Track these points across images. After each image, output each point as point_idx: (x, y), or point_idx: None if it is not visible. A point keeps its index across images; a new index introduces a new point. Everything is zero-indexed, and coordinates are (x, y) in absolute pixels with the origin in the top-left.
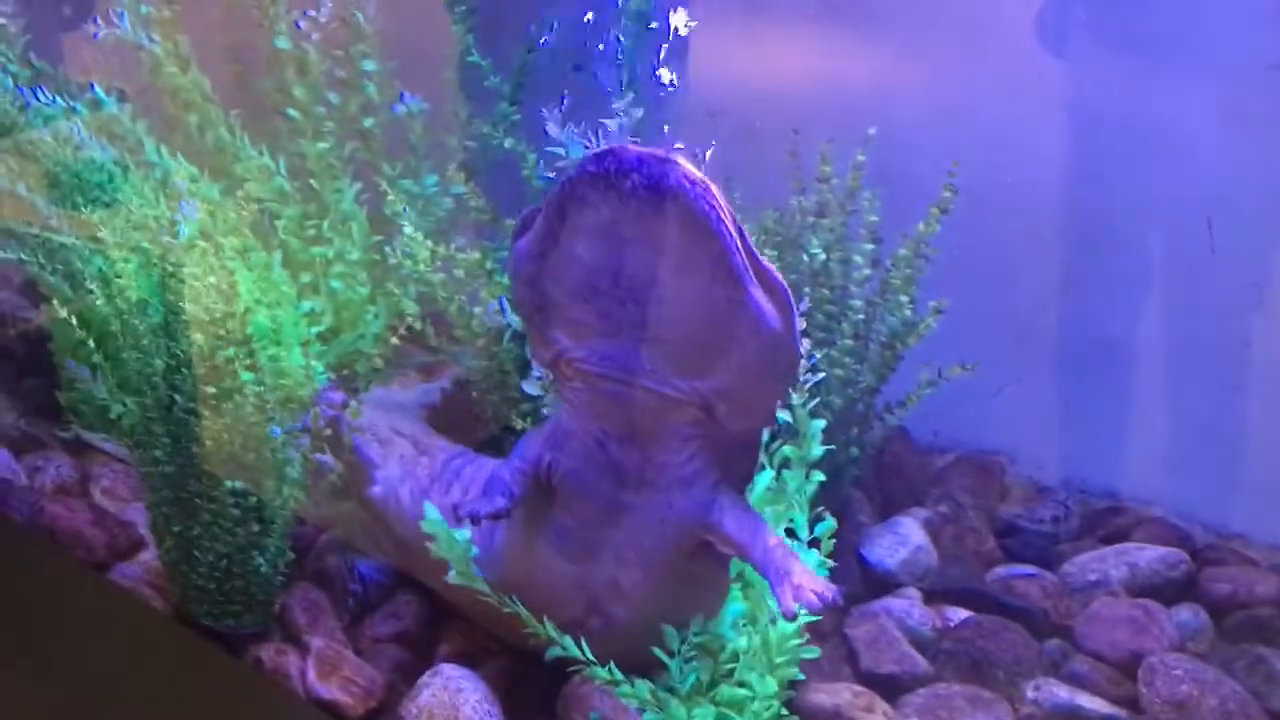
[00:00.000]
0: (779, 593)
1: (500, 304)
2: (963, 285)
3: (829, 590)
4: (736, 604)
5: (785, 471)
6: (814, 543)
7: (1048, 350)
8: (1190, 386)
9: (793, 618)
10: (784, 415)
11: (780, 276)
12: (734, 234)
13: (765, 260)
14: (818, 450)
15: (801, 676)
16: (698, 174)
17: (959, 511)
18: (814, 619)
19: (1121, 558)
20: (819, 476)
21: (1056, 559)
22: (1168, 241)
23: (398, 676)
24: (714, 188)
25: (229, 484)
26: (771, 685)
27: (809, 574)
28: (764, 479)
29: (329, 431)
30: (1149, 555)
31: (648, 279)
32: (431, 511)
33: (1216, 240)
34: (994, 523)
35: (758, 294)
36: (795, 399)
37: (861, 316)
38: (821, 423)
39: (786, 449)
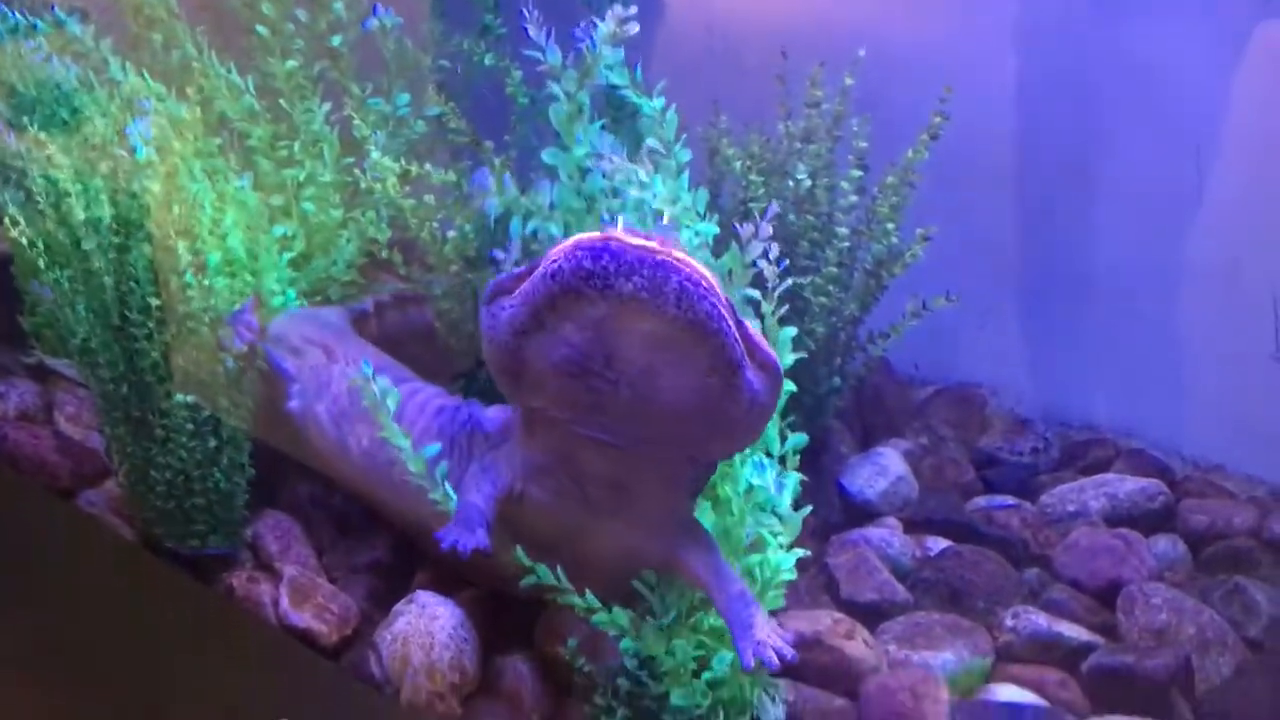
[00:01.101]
0: (740, 646)
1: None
2: (944, 218)
3: (787, 649)
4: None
5: None
6: (785, 460)
7: (1029, 283)
8: (1172, 320)
9: (750, 671)
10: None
11: (772, 352)
12: (731, 324)
13: (758, 337)
14: (789, 359)
15: (782, 604)
16: (697, 270)
17: (939, 443)
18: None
19: (1100, 489)
20: (790, 387)
21: (1036, 490)
22: (1153, 171)
23: (372, 605)
24: (713, 280)
25: (180, 398)
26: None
27: (770, 627)
28: None
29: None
30: (1128, 487)
31: (642, 368)
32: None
33: (1202, 169)
34: (974, 454)
35: (751, 375)
36: (766, 308)
37: (847, 244)
38: (793, 331)
39: None
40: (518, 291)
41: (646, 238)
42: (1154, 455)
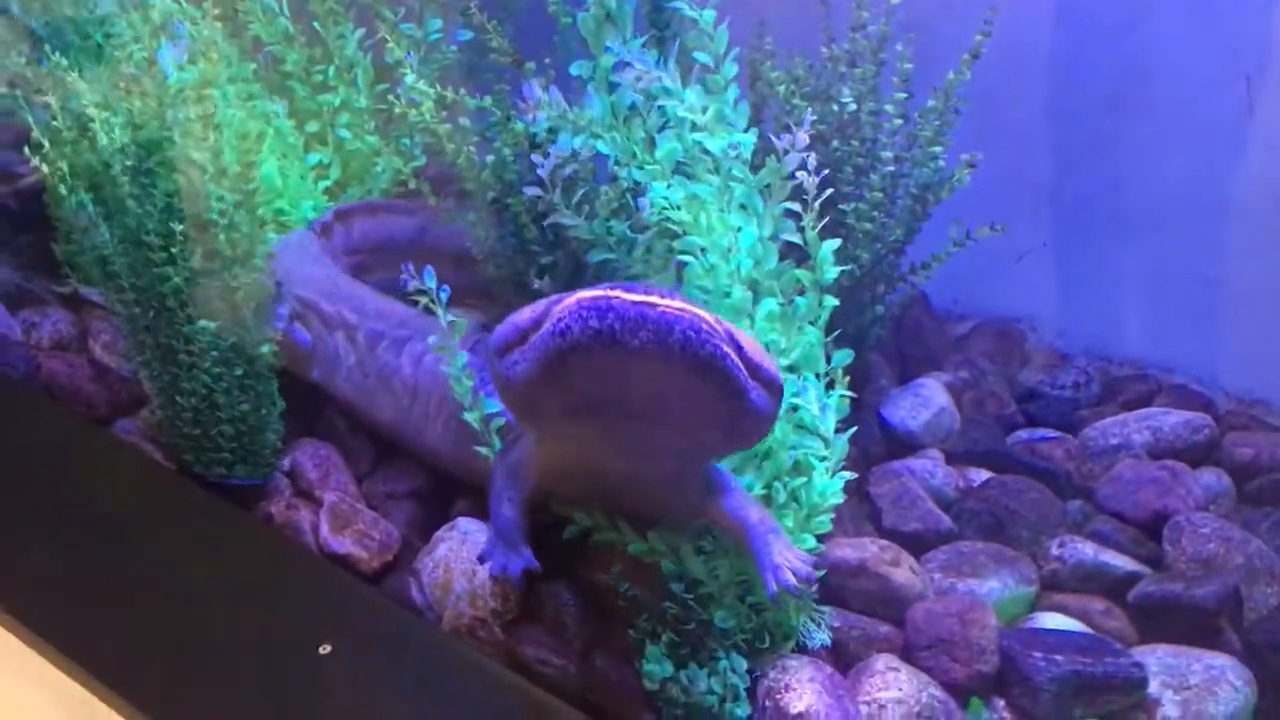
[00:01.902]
0: (763, 575)
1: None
2: (986, 148)
3: (804, 568)
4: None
5: (798, 297)
6: (830, 385)
7: (1070, 216)
8: (1217, 254)
9: (774, 599)
10: (795, 239)
11: (773, 367)
12: (735, 358)
13: (759, 357)
14: (831, 273)
15: (829, 528)
16: (697, 315)
17: (979, 376)
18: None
19: (1144, 422)
20: (831, 301)
21: (1077, 424)
22: (1201, 101)
23: (412, 531)
24: (712, 322)
25: (204, 324)
26: (809, 540)
27: (787, 549)
28: (767, 304)
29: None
30: (1172, 420)
31: (652, 405)
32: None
33: (1254, 98)
34: (1014, 388)
35: (756, 395)
36: (807, 219)
37: (891, 169)
38: (836, 243)
39: (798, 272)
40: (528, 345)
41: (645, 292)
42: (1196, 390)
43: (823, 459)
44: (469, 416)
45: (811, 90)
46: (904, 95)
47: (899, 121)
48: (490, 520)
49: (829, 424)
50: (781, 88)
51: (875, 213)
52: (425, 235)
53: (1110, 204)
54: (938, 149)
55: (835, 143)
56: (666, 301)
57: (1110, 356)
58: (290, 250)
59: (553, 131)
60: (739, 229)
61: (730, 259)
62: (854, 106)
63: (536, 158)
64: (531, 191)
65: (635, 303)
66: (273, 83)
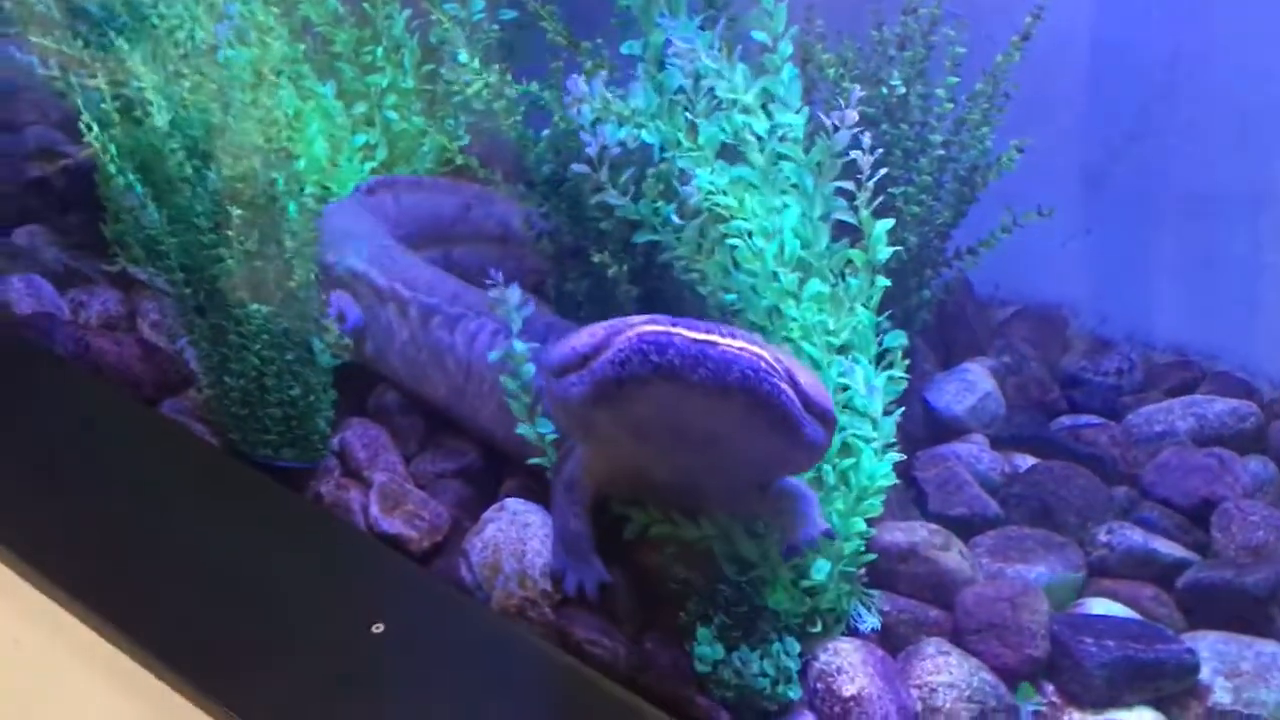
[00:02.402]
0: (810, 529)
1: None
2: (1033, 131)
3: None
4: None
5: (850, 277)
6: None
7: (1114, 202)
8: (1263, 241)
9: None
10: (848, 218)
11: (829, 402)
12: (791, 393)
13: (813, 390)
14: (885, 252)
15: (880, 510)
16: (755, 354)
17: (1022, 362)
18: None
19: (1189, 409)
20: (884, 282)
21: (1121, 411)
22: (1254, 85)
23: (461, 511)
24: (770, 358)
25: (255, 307)
26: (859, 524)
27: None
28: (813, 286)
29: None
30: (1218, 407)
31: (707, 434)
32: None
33: None
34: (1057, 374)
35: (811, 429)
36: (861, 198)
37: (940, 152)
38: (890, 223)
39: (851, 251)
40: (586, 371)
41: (706, 330)
42: (1241, 377)
43: (870, 440)
44: (516, 406)
45: (861, 73)
46: (954, 80)
47: (949, 105)
48: (556, 535)
49: (877, 405)
50: (831, 70)
51: (924, 196)
52: (470, 214)
53: (1155, 190)
54: (985, 131)
55: (884, 125)
56: (727, 340)
57: (1153, 343)
58: (339, 215)
59: (598, 123)
60: (783, 209)
61: (773, 241)
62: (903, 90)
63: (585, 135)
64: (579, 168)
65: (696, 340)
66: (321, 64)
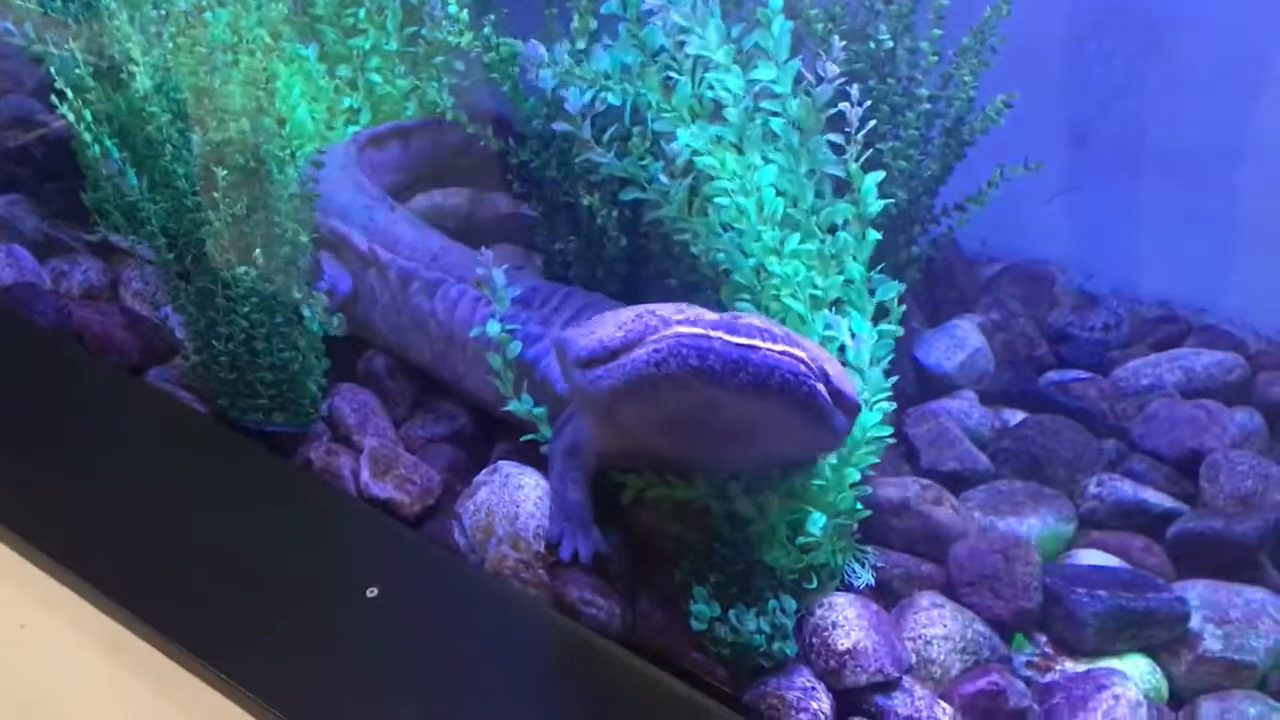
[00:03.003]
0: None
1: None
2: (1019, 86)
3: None
4: None
5: (840, 231)
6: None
7: (1099, 157)
8: (1246, 194)
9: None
10: (838, 171)
11: (855, 392)
12: (826, 392)
13: (841, 383)
14: (875, 206)
15: (876, 460)
16: (797, 356)
17: (1010, 318)
18: None
19: (1175, 362)
20: (875, 235)
21: (1108, 365)
22: (1239, 40)
23: (452, 475)
24: (810, 359)
25: (243, 270)
26: (853, 474)
27: None
28: (793, 241)
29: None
30: (1204, 360)
31: (737, 429)
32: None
33: None
34: (1045, 330)
35: (838, 420)
36: (850, 151)
37: (927, 107)
38: (880, 175)
39: (841, 206)
40: (616, 364)
41: (747, 332)
42: (1227, 330)
43: (859, 393)
44: (501, 385)
45: (849, 28)
46: (939, 32)
47: (934, 59)
48: (554, 503)
49: (863, 356)
50: (819, 26)
51: (912, 150)
52: (472, 150)
53: (1140, 146)
54: (970, 82)
55: (872, 81)
56: (767, 345)
57: (1140, 298)
58: (328, 169)
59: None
60: (757, 167)
61: (752, 198)
62: (891, 44)
63: (564, 93)
64: (560, 127)
65: (737, 345)
66: (303, 26)
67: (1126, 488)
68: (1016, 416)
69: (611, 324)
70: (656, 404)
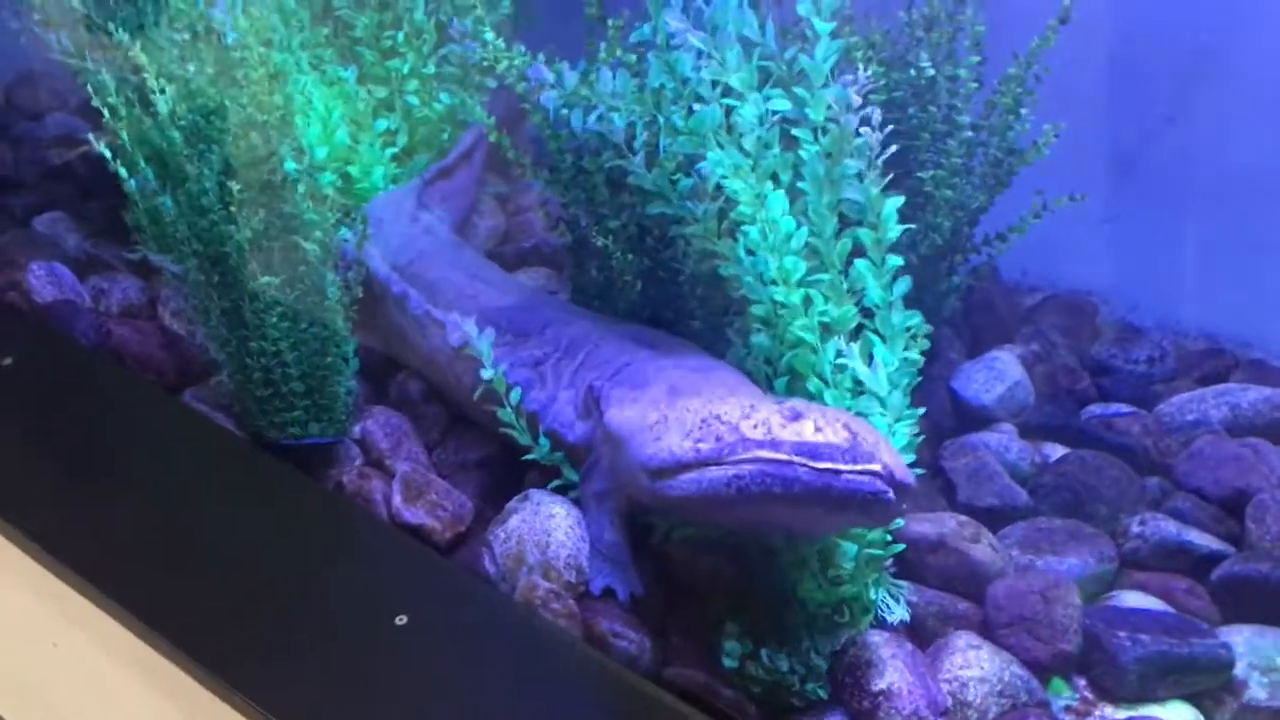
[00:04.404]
0: None
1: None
2: (1063, 116)
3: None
4: None
5: (859, 260)
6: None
7: (1145, 187)
8: None
9: None
10: (856, 195)
11: (908, 475)
12: (889, 485)
13: (900, 469)
14: (894, 231)
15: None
16: (876, 472)
17: (1051, 350)
18: None
19: (1222, 398)
20: (896, 260)
21: (1152, 399)
22: None
23: (483, 502)
24: (892, 467)
25: (267, 279)
26: None
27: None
28: (799, 268)
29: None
30: (1251, 396)
31: (807, 526)
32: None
33: None
34: (1086, 362)
35: (895, 505)
36: (870, 178)
37: (969, 134)
38: (899, 200)
39: (861, 232)
40: (689, 479)
41: (829, 459)
42: (1275, 365)
43: (880, 417)
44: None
45: (890, 56)
46: (977, 59)
47: (974, 86)
48: (592, 545)
49: (880, 381)
50: (858, 54)
51: (955, 179)
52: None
53: (1186, 176)
54: (1024, 111)
55: (912, 109)
56: (849, 468)
57: (1184, 331)
58: (383, 207)
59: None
60: (768, 195)
61: (757, 225)
62: (932, 72)
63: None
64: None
65: (820, 472)
66: (342, 48)
67: (1170, 527)
68: (1057, 451)
69: (677, 432)
70: (728, 511)
